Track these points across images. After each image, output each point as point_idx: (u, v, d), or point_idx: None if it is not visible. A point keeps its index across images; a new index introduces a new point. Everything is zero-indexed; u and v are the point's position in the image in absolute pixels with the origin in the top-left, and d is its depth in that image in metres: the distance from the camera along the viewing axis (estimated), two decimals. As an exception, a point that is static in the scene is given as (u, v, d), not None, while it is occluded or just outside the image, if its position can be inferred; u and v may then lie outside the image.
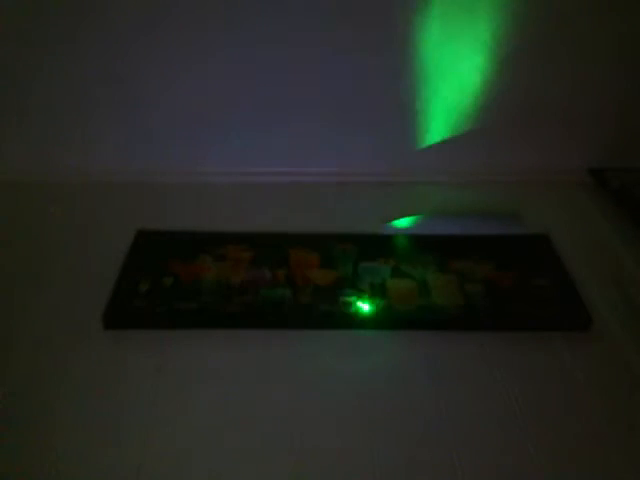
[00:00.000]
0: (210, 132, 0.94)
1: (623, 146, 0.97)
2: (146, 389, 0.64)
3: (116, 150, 0.96)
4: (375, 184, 0.96)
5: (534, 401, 0.64)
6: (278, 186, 0.96)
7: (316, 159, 0.97)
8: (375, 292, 0.75)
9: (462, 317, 0.72)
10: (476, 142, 0.95)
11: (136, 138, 0.95)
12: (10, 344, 0.69)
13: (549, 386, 0.66)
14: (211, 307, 0.72)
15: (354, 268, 0.78)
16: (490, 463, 0.58)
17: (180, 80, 0.89)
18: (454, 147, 0.95)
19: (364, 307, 0.72)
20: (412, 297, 0.74)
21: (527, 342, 0.71)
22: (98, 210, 0.91)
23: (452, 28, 0.84)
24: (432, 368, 0.67)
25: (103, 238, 0.84)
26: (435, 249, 0.81)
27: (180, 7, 0.82)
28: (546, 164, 0.98)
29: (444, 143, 0.95)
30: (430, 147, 0.95)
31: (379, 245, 0.82)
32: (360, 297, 0.74)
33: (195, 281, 0.76)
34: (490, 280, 0.77)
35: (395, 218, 0.89)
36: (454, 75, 0.89)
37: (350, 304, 0.73)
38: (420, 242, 0.83)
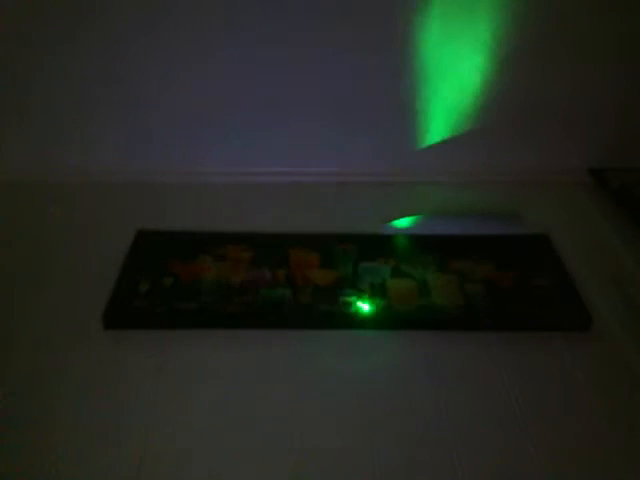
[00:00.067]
0: (210, 132, 0.94)
1: (623, 146, 0.97)
2: (146, 389, 0.64)
3: (116, 150, 0.96)
4: (375, 184, 0.96)
5: (534, 401, 0.64)
6: (278, 186, 0.96)
7: (316, 159, 0.97)
8: (375, 292, 0.75)
9: (462, 317, 0.72)
10: (476, 142, 0.95)
11: (136, 138, 0.95)
12: (10, 344, 0.69)
13: (549, 386, 0.66)
14: (211, 307, 0.72)
15: (354, 268, 0.78)
16: (490, 463, 0.58)
17: (180, 80, 0.89)
18: (454, 147, 0.95)
19: (364, 307, 0.72)
20: (412, 297, 0.74)
21: (527, 342, 0.71)
22: (98, 210, 0.91)
23: (452, 28, 0.84)
24: (432, 368, 0.67)
25: (103, 238, 0.84)
26: (435, 249, 0.81)
27: (180, 7, 0.82)
28: (546, 164, 0.98)
29: (444, 143, 0.95)
30: (430, 147, 0.95)
31: (379, 245, 0.82)
32: (360, 297, 0.74)
33: (195, 281, 0.76)
34: (490, 280, 0.77)
35: (395, 218, 0.89)
36: (454, 75, 0.89)
37: (350, 304, 0.73)
38: (420, 242, 0.83)
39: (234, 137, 0.94)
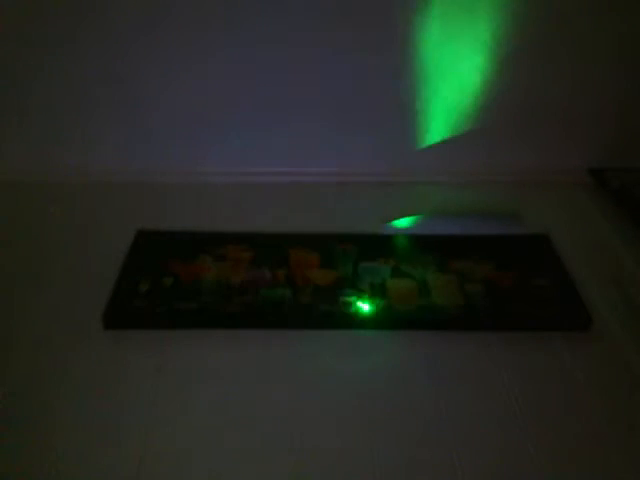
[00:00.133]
0: (210, 132, 0.94)
1: (623, 146, 0.97)
2: (146, 389, 0.64)
3: (116, 150, 0.96)
4: (375, 184, 0.96)
5: (534, 401, 0.64)
6: (278, 186, 0.96)
7: (316, 159, 0.97)
8: (375, 292, 0.75)
9: (462, 317, 0.72)
10: (476, 142, 0.95)
11: (136, 138, 0.95)
12: (10, 344, 0.69)
13: (549, 386, 0.66)
14: (211, 307, 0.72)
15: (354, 268, 0.78)
16: (490, 463, 0.58)
17: (180, 80, 0.89)
18: (454, 147, 0.95)
19: (364, 307, 0.72)
20: (412, 297, 0.74)
21: (527, 342, 0.71)
22: (98, 210, 0.91)
23: (452, 28, 0.84)
24: (432, 368, 0.67)
25: (103, 238, 0.84)
26: (435, 249, 0.81)
27: (180, 7, 0.82)
28: (546, 164, 0.98)
29: (444, 143, 0.95)
30: (430, 147, 0.95)
31: (379, 245, 0.82)
32: (360, 297, 0.74)
33: (195, 281, 0.76)
34: (490, 280, 0.77)
35: (395, 218, 0.89)
36: (454, 75, 0.89)
37: (350, 304, 0.73)
38: (420, 242, 0.83)
39: (234, 137, 0.94)
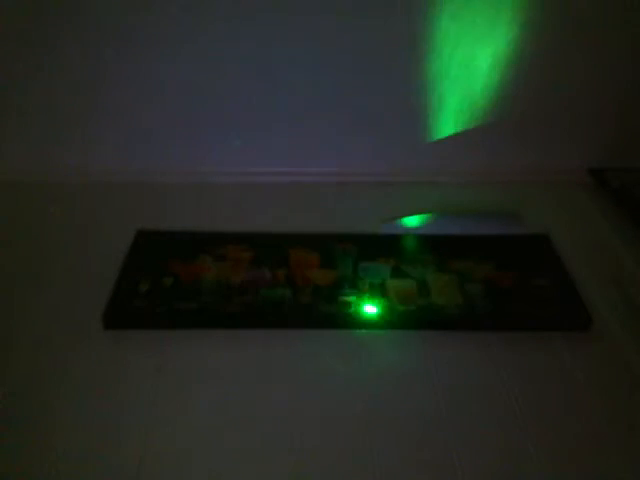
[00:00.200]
0: (210, 132, 0.94)
1: (623, 146, 0.97)
2: (146, 389, 0.64)
3: (116, 150, 0.96)
4: (375, 184, 0.96)
5: (534, 401, 0.64)
6: (278, 186, 0.96)
7: (316, 159, 0.97)
8: (375, 292, 0.75)
9: (462, 317, 0.72)
10: (476, 142, 0.95)
11: (136, 138, 0.95)
12: (10, 344, 0.69)
13: (549, 386, 0.66)
14: (211, 307, 0.72)
15: (354, 268, 0.78)
16: (490, 463, 0.58)
17: (180, 80, 0.89)
18: (454, 147, 0.95)
19: (365, 307, 0.72)
20: (412, 297, 0.74)
21: (527, 342, 0.71)
22: (98, 210, 0.91)
23: (453, 29, 0.84)
24: (432, 368, 0.67)
25: (103, 238, 0.84)
26: (435, 249, 0.81)
27: (180, 7, 0.82)
28: (546, 164, 0.98)
29: (444, 143, 0.95)
30: (430, 147, 0.95)
31: (379, 245, 0.82)
32: (360, 297, 0.74)
33: (195, 281, 0.76)
34: (490, 280, 0.77)
35: (395, 218, 0.89)
36: (454, 76, 0.89)
37: (350, 304, 0.73)
38: (420, 242, 0.83)
39: (234, 137, 0.94)
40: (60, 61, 0.86)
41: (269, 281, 0.76)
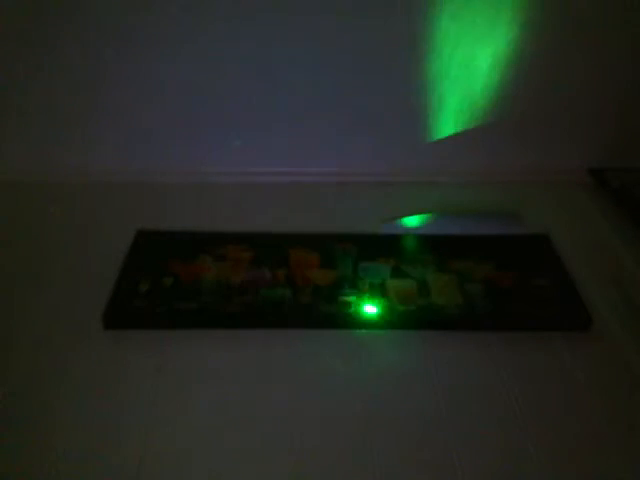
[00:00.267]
0: (210, 132, 0.94)
1: (623, 146, 0.97)
2: (146, 389, 0.64)
3: (116, 150, 0.96)
4: (375, 184, 0.96)
5: (534, 401, 0.64)
6: (278, 186, 0.96)
7: (316, 159, 0.97)
8: (375, 292, 0.75)
9: (462, 317, 0.72)
10: (476, 142, 0.95)
11: (136, 138, 0.95)
12: (10, 344, 0.69)
13: (549, 386, 0.66)
14: (211, 307, 0.72)
15: (354, 268, 0.78)
16: (490, 463, 0.58)
17: (180, 80, 0.89)
18: (454, 147, 0.95)
19: (365, 307, 0.72)
20: (412, 297, 0.74)
21: (527, 342, 0.71)
22: (98, 210, 0.91)
23: (453, 29, 0.84)
24: (432, 368, 0.67)
25: (103, 238, 0.84)
26: (435, 249, 0.81)
27: (180, 7, 0.82)
28: (546, 164, 0.98)
29: (444, 143, 0.95)
30: (430, 147, 0.95)
31: (379, 245, 0.82)
32: (360, 297, 0.74)
33: (195, 281, 0.76)
34: (490, 280, 0.77)
35: (395, 218, 0.89)
36: (454, 76, 0.89)
37: (350, 304, 0.73)
38: (420, 242, 0.83)
39: (234, 137, 0.94)
40: (60, 61, 0.86)
41: (269, 281, 0.76)
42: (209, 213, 0.90)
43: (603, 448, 0.60)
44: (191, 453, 0.59)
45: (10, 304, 0.74)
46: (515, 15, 0.83)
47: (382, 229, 0.87)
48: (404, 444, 0.60)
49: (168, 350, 0.69)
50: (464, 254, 0.80)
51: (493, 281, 0.77)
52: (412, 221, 0.90)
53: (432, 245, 0.82)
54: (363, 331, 0.72)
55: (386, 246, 0.82)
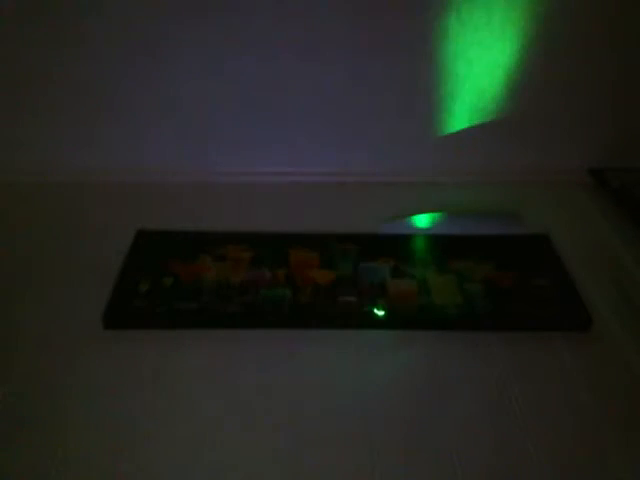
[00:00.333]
0: (211, 132, 0.94)
1: (623, 146, 0.97)
2: (146, 389, 0.64)
3: (116, 150, 0.96)
4: (375, 184, 0.96)
5: (534, 401, 0.64)
6: (278, 186, 0.96)
7: (316, 159, 0.97)
8: (375, 292, 0.74)
9: (462, 317, 0.72)
10: (476, 142, 0.95)
11: (136, 138, 0.95)
12: (10, 344, 0.69)
13: (549, 386, 0.66)
14: (211, 307, 0.72)
15: (354, 268, 0.78)
16: (490, 463, 0.58)
17: (180, 80, 0.89)
18: (454, 147, 0.95)
19: (365, 307, 0.72)
20: (412, 297, 0.74)
21: (527, 342, 0.71)
22: (98, 210, 0.91)
23: (454, 29, 0.84)
24: (432, 368, 0.67)
25: (103, 238, 0.84)
26: (435, 249, 0.81)
27: (180, 7, 0.82)
28: (546, 164, 0.98)
29: (444, 143, 0.95)
30: (430, 147, 0.95)
31: (379, 245, 0.82)
32: (360, 297, 0.73)
33: (195, 281, 0.76)
34: (490, 280, 0.77)
35: (395, 218, 0.89)
36: (455, 76, 0.89)
37: (350, 304, 0.73)
38: (420, 242, 0.83)
39: (234, 137, 0.94)
40: (61, 61, 0.86)
41: (269, 281, 0.76)
42: (209, 213, 0.90)
43: (603, 448, 0.60)
44: (191, 453, 0.59)
45: (10, 304, 0.74)
46: (515, 15, 0.83)
47: (382, 229, 0.87)
48: (404, 444, 0.60)
49: (168, 350, 0.69)
50: (464, 254, 0.80)
51: (493, 281, 0.77)
52: (412, 221, 0.90)
53: (432, 245, 0.82)
54: (363, 331, 0.72)
55: (386, 246, 0.82)
